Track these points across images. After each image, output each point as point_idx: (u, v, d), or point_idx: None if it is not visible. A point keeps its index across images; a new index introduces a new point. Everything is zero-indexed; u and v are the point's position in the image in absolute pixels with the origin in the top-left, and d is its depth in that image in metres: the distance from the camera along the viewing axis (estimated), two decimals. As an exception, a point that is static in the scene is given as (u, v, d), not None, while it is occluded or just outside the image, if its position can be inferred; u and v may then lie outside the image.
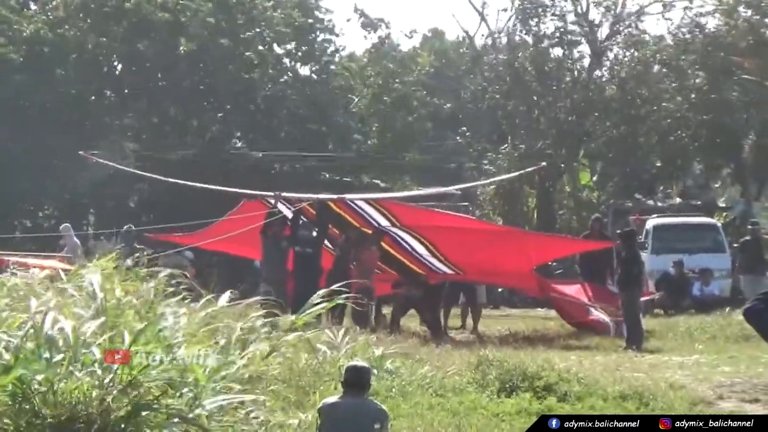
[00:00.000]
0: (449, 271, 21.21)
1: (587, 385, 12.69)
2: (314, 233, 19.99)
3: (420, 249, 20.88)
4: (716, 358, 15.76)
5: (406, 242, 20.87)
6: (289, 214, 20.22)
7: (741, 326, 17.18)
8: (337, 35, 42.03)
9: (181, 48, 37.14)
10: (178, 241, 22.04)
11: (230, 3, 38.14)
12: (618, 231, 22.47)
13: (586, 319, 20.50)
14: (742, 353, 16.29)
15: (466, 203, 32.62)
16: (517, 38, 38.60)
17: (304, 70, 41.27)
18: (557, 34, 37.11)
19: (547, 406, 11.81)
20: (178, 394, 6.75)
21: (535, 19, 37.21)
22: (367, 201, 21.08)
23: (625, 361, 15.88)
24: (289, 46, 40.56)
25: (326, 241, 20.55)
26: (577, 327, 20.75)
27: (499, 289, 23.21)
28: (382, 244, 20.66)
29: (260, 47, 38.96)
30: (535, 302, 26.38)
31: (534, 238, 24.95)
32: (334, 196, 21.21)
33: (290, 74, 40.37)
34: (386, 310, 21.60)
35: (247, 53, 38.16)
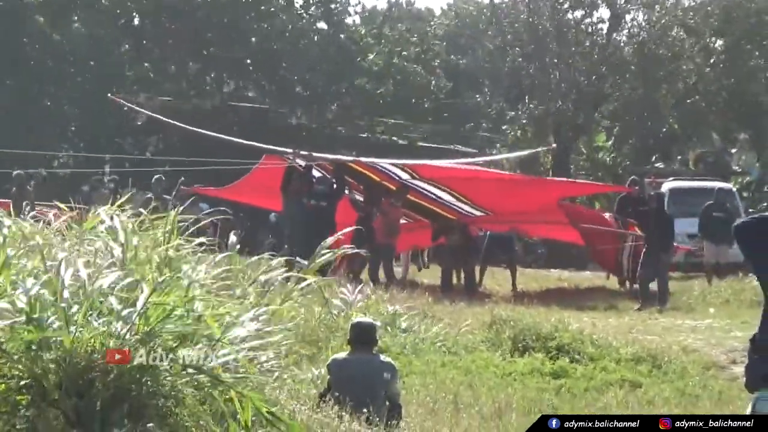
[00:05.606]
0: (479, 213, 21.21)
1: (600, 347, 12.70)
2: (333, 186, 19.90)
3: (446, 197, 20.86)
4: (729, 323, 15.73)
5: (431, 192, 20.83)
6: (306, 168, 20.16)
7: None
8: None
9: None
10: (213, 194, 22.56)
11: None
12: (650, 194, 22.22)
13: (614, 247, 20.56)
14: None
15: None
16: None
17: (322, 25, 40.95)
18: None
19: (560, 366, 11.84)
20: (193, 345, 6.75)
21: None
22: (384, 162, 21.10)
23: (638, 324, 15.91)
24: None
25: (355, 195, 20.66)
26: (600, 261, 20.97)
27: (515, 248, 23.07)
28: (409, 197, 20.63)
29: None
30: (548, 263, 26.42)
31: (553, 180, 26.18)
32: (350, 158, 21.16)
33: (305, 27, 40.00)
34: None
35: (265, 7, 37.91)
